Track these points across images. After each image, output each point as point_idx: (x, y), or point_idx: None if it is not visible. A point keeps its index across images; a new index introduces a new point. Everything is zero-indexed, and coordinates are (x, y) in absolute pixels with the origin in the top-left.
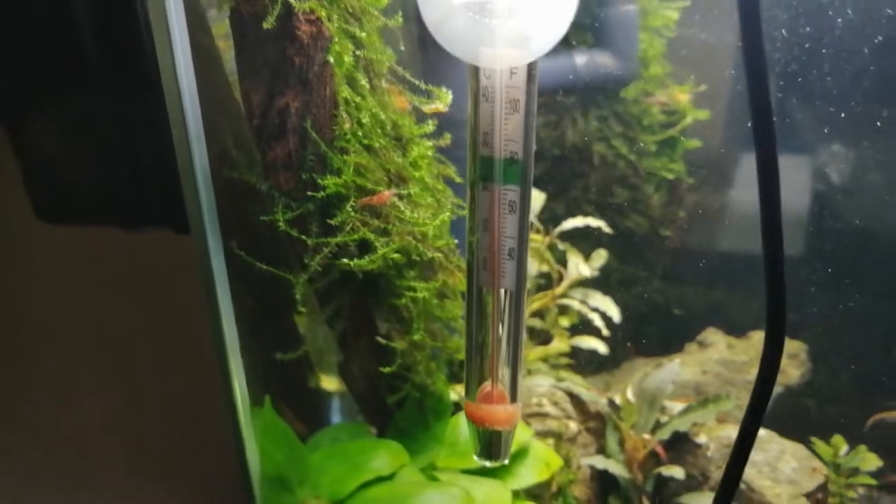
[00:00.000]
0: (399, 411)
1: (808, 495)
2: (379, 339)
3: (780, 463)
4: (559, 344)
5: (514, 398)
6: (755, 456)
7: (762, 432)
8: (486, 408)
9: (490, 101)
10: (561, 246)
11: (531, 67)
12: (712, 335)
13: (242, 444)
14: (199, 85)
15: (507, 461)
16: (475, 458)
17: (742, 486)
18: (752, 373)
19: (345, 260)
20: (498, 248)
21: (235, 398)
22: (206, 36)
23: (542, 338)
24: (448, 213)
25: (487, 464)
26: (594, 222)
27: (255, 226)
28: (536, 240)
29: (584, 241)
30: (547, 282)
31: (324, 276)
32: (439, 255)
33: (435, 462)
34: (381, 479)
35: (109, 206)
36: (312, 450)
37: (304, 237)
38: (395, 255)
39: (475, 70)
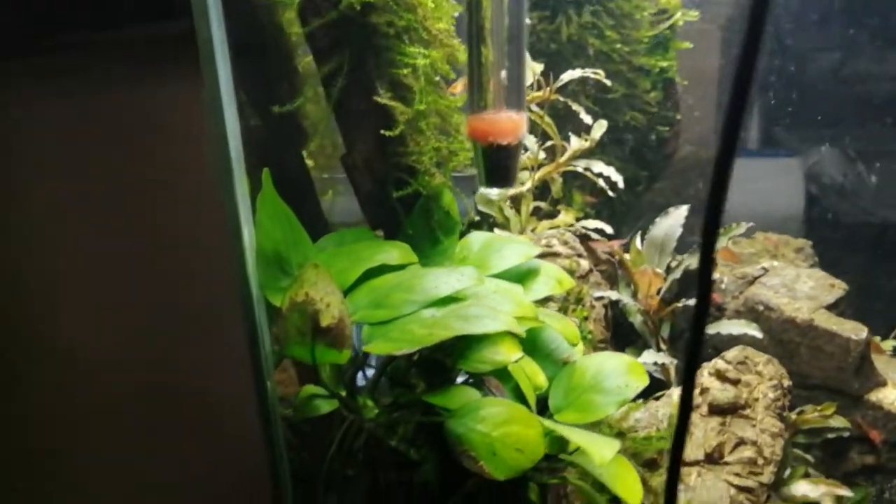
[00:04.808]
0: (407, 219)
1: (829, 307)
2: (377, 99)
3: (797, 284)
4: (565, 217)
5: (519, 105)
6: (770, 280)
7: (776, 262)
8: (490, 118)
9: None
10: (562, 98)
11: None
12: None
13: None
14: None
15: (513, 187)
16: (482, 189)
17: (759, 307)
18: None
19: None
20: None
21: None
22: None
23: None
24: None
25: (495, 191)
26: (592, 74)
27: None
28: (536, 96)
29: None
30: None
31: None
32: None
33: None
34: (388, 269)
35: None
36: (317, 252)
37: None
38: None
39: None
